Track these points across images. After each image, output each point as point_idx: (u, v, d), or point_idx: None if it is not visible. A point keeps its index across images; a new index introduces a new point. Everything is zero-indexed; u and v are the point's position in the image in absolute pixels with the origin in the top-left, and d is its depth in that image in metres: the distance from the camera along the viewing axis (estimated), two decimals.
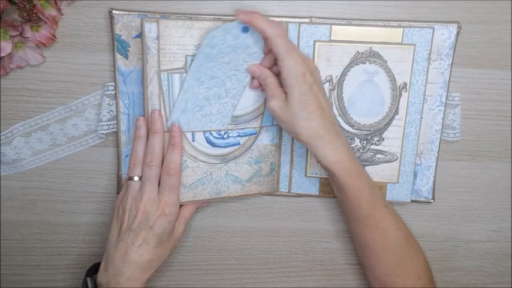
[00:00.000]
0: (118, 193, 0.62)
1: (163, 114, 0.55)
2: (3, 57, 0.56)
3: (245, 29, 0.54)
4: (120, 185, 0.61)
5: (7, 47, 0.55)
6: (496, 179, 0.64)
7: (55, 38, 0.57)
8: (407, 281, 0.55)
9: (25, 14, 0.53)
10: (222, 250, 0.66)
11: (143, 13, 0.56)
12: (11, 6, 0.54)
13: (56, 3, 0.55)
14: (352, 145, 0.60)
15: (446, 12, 0.58)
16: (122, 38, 0.56)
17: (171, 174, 0.54)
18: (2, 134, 0.60)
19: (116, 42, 0.56)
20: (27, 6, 0.52)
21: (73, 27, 0.58)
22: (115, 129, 0.60)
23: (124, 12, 0.56)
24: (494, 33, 0.59)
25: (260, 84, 0.56)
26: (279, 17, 0.58)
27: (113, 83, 0.58)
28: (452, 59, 0.58)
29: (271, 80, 0.54)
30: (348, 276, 0.67)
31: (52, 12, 0.56)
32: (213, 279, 0.67)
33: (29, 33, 0.55)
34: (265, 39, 0.53)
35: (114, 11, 0.56)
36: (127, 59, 0.57)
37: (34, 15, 0.53)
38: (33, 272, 0.66)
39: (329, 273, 0.67)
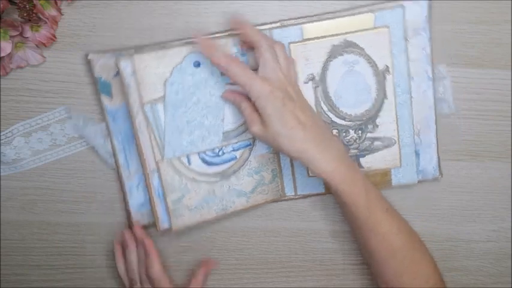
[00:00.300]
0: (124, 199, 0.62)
1: (154, 144, 0.56)
2: (3, 57, 0.56)
3: (196, 64, 0.55)
4: (123, 189, 0.61)
5: (7, 47, 0.55)
6: (496, 179, 0.64)
7: (55, 38, 0.57)
8: (413, 281, 0.55)
9: (25, 14, 0.53)
10: (222, 250, 0.66)
11: (118, 51, 0.57)
12: (11, 6, 0.54)
13: (56, 3, 0.55)
14: (348, 137, 0.60)
15: (446, 12, 0.58)
16: (103, 79, 0.57)
17: (154, 280, 0.59)
18: (2, 134, 0.60)
19: (98, 84, 0.57)
20: (27, 6, 0.52)
21: (73, 27, 0.58)
22: (115, 167, 0.61)
23: (100, 55, 0.56)
24: (494, 33, 0.59)
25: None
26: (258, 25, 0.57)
27: (104, 124, 0.59)
28: (431, 32, 0.57)
29: (246, 105, 0.53)
30: (348, 276, 0.67)
31: (52, 12, 0.56)
32: (213, 279, 0.67)
33: (29, 33, 0.55)
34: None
35: (90, 56, 0.56)
36: (112, 98, 0.58)
37: (34, 15, 0.53)
38: (33, 272, 0.66)
39: (329, 273, 0.67)
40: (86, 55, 0.57)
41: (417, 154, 0.61)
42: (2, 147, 0.60)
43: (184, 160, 0.58)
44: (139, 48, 0.57)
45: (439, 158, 0.62)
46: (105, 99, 0.58)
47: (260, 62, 0.52)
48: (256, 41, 0.52)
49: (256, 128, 0.52)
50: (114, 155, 0.60)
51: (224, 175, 0.59)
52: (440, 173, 0.63)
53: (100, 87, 0.57)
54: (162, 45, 0.57)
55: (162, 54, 0.54)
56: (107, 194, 0.63)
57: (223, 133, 0.58)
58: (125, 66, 0.54)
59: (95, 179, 0.63)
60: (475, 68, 0.60)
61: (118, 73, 0.54)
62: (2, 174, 0.62)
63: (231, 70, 0.51)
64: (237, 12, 0.58)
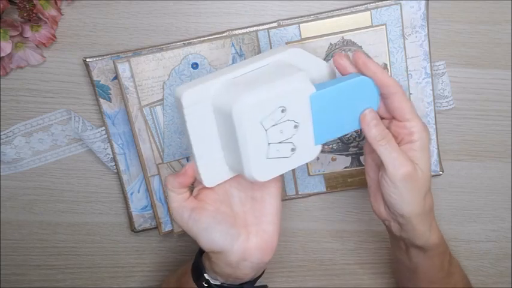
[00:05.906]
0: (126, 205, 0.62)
1: (154, 147, 0.56)
2: (3, 57, 0.56)
3: (194, 65, 0.55)
4: (124, 192, 0.61)
5: (7, 47, 0.55)
6: (496, 179, 0.64)
7: (55, 38, 0.57)
8: None
9: (25, 14, 0.53)
10: None
11: (115, 54, 0.57)
12: (11, 6, 0.54)
13: (56, 3, 0.55)
14: (347, 135, 0.60)
15: (446, 12, 0.58)
16: (101, 82, 0.57)
17: None
18: (2, 133, 0.60)
19: (96, 88, 0.57)
20: (27, 6, 0.52)
21: (73, 27, 0.58)
22: (116, 171, 0.61)
23: (97, 58, 0.56)
24: (494, 33, 0.59)
25: None
26: (248, 27, 0.57)
27: (103, 128, 0.59)
28: (428, 29, 0.57)
29: (395, 145, 0.44)
30: (348, 276, 0.67)
31: (52, 12, 0.56)
32: None
33: (29, 33, 0.55)
34: (381, 94, 0.44)
35: (88, 59, 0.56)
36: (110, 102, 0.58)
37: (34, 15, 0.53)
38: (33, 272, 0.66)
39: (329, 273, 0.67)
40: (84, 59, 0.57)
41: None
42: (2, 146, 0.60)
43: (185, 162, 0.58)
44: (137, 51, 0.57)
45: (439, 154, 0.62)
46: (104, 104, 0.58)
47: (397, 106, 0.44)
48: (391, 86, 0.44)
49: (412, 169, 0.43)
50: (114, 159, 0.60)
51: None
52: (441, 169, 0.62)
53: (98, 91, 0.57)
54: (159, 47, 0.57)
55: (159, 57, 0.54)
56: (107, 194, 0.63)
57: None
58: (123, 69, 0.54)
59: (95, 179, 0.63)
60: (475, 68, 0.60)
61: (116, 77, 0.55)
62: (2, 174, 0.62)
63: (399, 95, 0.43)
64: (236, 12, 0.58)
